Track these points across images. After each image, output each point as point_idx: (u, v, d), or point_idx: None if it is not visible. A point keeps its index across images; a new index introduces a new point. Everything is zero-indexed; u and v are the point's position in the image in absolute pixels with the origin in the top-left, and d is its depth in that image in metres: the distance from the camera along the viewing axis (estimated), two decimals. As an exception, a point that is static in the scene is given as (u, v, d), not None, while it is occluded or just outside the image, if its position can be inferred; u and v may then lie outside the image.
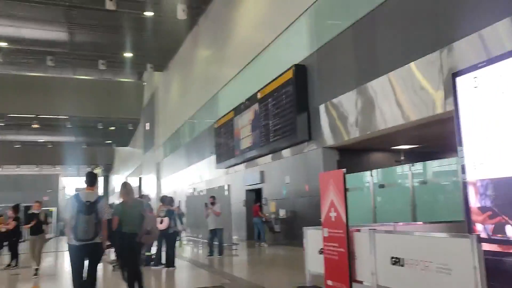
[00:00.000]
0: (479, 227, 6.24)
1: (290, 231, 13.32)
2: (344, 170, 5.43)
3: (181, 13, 18.86)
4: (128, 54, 27.37)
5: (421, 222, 7.37)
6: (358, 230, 5.40)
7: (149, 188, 33.20)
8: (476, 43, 7.08)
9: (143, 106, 37.49)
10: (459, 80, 6.72)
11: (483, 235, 6.02)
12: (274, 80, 13.39)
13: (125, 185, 6.38)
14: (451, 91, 7.54)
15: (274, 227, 14.00)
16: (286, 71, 12.63)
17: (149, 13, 21.04)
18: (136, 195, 8.10)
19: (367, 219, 9.84)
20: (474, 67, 6.51)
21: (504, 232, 5.67)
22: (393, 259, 4.68)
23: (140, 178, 38.92)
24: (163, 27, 22.64)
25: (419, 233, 4.74)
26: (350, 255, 5.31)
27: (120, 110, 33.85)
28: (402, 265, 4.56)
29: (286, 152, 13.50)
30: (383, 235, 4.99)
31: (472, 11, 7.22)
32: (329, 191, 5.68)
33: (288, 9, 13.45)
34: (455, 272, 3.94)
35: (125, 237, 5.96)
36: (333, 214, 5.61)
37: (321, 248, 5.93)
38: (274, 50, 14.36)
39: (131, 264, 6.19)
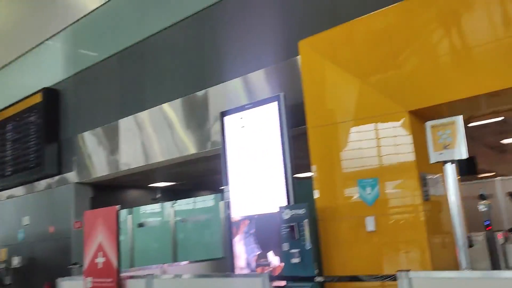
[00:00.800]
0: (242, 262, 6.45)
1: (25, 283, 11.22)
2: (118, 207, 4.75)
3: None
4: None
5: (187, 262, 7.15)
6: (131, 277, 4.74)
7: None
8: (239, 87, 7.52)
9: None
10: (227, 119, 7.01)
11: (247, 269, 6.24)
12: (15, 103, 11.45)
13: None
14: (210, 131, 7.83)
15: (4, 279, 11.62)
16: (33, 94, 10.94)
17: None
18: None
19: (124, 263, 9.04)
20: (241, 108, 6.88)
21: (266, 258, 5.98)
22: (175, 307, 4.23)
23: None
24: None
25: (207, 276, 4.48)
26: (121, 308, 4.59)
27: None
28: (185, 313, 4.15)
29: (26, 188, 11.52)
30: (164, 280, 4.49)
31: (236, 59, 7.70)
32: (97, 233, 4.87)
33: (38, 27, 11.88)
34: (244, 314, 3.78)
35: None
36: (100, 260, 4.80)
37: (82, 303, 4.98)
38: (17, 69, 12.38)
39: None
